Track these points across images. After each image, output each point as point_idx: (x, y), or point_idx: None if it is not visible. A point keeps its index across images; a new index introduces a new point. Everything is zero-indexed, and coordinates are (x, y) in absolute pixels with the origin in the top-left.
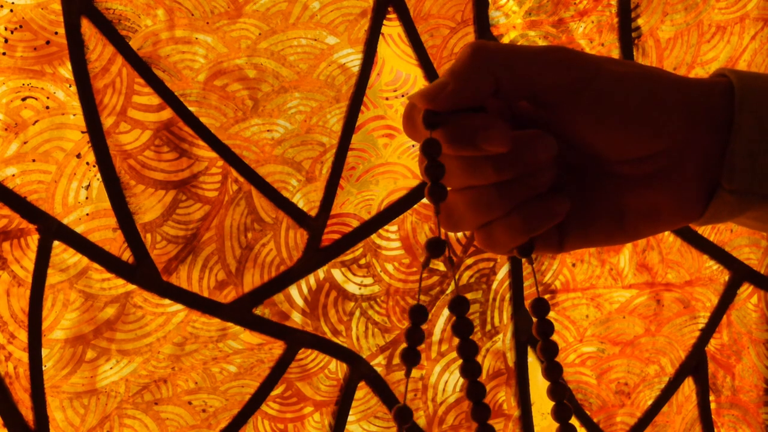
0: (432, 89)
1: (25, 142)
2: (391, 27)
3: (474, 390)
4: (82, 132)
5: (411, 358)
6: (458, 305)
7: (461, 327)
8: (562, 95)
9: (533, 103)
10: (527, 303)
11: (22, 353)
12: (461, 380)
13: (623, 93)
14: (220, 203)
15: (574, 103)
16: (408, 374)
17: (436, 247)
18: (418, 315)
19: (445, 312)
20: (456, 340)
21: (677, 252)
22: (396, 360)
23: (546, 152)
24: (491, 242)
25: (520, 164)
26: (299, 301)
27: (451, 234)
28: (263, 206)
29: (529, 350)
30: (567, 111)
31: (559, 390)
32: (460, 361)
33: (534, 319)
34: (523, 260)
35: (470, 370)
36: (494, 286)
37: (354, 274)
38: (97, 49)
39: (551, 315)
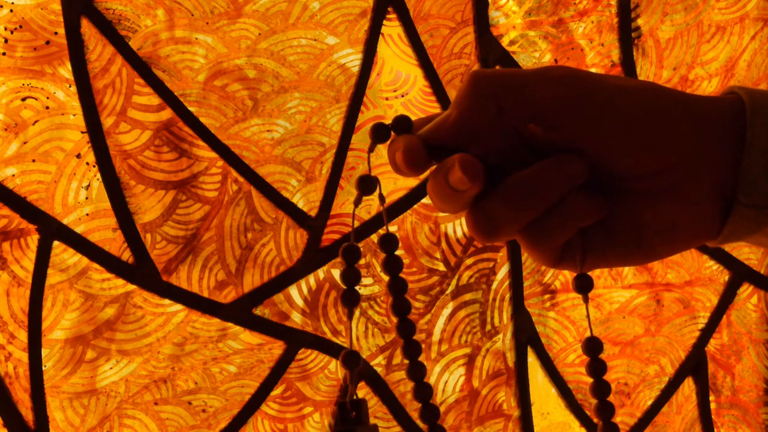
0: (434, 124)
1: (24, 142)
2: (391, 27)
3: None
4: (82, 132)
5: (351, 299)
6: (387, 242)
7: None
8: (565, 110)
9: (541, 124)
10: (582, 342)
11: (22, 353)
12: (461, 380)
13: (628, 104)
14: (220, 203)
15: (578, 117)
16: (350, 317)
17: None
18: (352, 254)
19: (445, 312)
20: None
21: None
22: (396, 360)
23: (574, 173)
24: (543, 236)
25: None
26: (299, 301)
27: (450, 233)
28: (263, 206)
29: (529, 350)
30: (572, 127)
31: None
32: (457, 359)
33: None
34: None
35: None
36: (494, 286)
37: None
38: (97, 49)
39: (552, 315)
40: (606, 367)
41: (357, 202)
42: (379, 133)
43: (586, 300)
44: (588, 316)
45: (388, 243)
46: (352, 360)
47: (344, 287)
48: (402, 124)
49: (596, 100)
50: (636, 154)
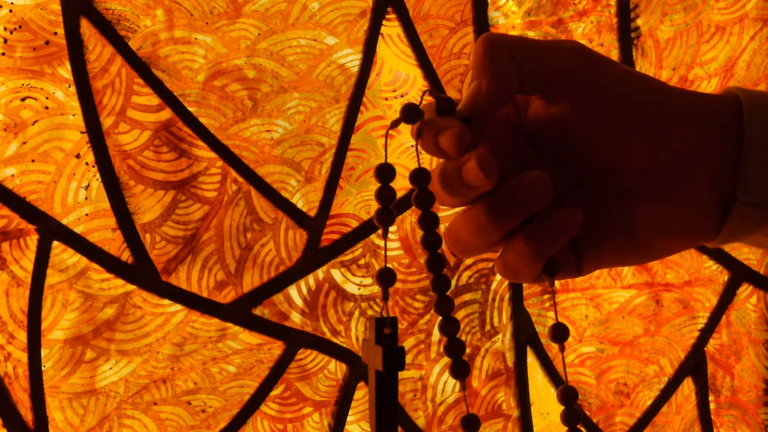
0: (468, 99)
1: (24, 143)
2: (391, 27)
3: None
4: (82, 132)
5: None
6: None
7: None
8: (575, 84)
9: (547, 95)
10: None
11: (22, 353)
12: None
13: (634, 90)
14: (220, 203)
15: (586, 93)
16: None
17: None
18: (421, 178)
19: None
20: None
21: None
22: None
23: (539, 188)
24: (509, 271)
25: (514, 205)
26: (298, 302)
27: None
28: (262, 206)
29: (529, 350)
30: (579, 103)
31: None
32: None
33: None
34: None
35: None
36: (494, 286)
37: (353, 275)
38: (97, 49)
39: (551, 315)
40: (580, 417)
41: (394, 124)
42: (411, 113)
43: (562, 349)
44: (564, 365)
45: (420, 178)
46: (386, 276)
47: (380, 206)
48: (444, 104)
49: (606, 81)
50: (633, 143)
